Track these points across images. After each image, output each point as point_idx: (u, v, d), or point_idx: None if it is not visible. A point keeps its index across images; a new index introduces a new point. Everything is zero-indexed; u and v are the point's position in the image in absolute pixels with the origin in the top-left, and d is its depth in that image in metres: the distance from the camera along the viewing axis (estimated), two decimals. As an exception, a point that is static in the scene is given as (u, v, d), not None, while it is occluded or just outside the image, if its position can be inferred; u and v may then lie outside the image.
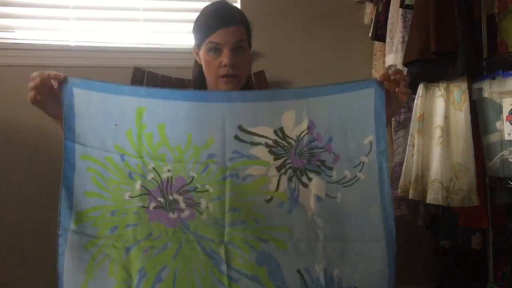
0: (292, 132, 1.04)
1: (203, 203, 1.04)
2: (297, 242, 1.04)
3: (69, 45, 2.03)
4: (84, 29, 2.07)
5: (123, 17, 2.10)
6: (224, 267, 1.03)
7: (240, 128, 1.03)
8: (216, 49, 1.19)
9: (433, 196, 1.64)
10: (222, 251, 1.03)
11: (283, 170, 1.05)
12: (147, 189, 1.04)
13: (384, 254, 1.07)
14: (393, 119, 2.01)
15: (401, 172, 1.79)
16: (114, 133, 1.03)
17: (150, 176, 1.04)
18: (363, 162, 1.05)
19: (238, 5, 2.14)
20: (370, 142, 1.04)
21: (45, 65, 1.96)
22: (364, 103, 1.04)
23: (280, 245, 1.04)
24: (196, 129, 1.03)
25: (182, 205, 1.04)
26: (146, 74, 1.97)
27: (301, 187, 1.05)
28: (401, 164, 1.83)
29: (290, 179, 1.05)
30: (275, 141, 1.04)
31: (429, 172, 1.69)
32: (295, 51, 2.18)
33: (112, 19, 2.09)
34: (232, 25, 1.19)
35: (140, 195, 1.03)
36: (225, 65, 1.18)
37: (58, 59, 1.99)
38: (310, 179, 1.05)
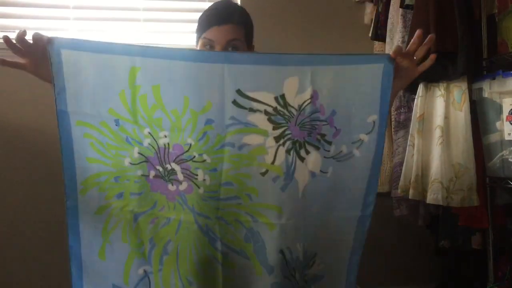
0: (294, 100, 0.99)
1: (200, 174, 1.01)
2: (284, 223, 1.04)
3: (69, 45, 2.02)
4: (84, 29, 2.06)
5: (123, 17, 2.10)
6: (218, 244, 1.05)
7: (239, 92, 0.97)
8: (209, 46, 1.19)
9: (433, 196, 1.64)
10: (217, 228, 1.04)
11: (281, 141, 1.00)
12: (145, 156, 1.01)
13: (353, 229, 1.08)
14: (393, 119, 2.01)
15: (401, 172, 1.79)
16: (107, 96, 0.98)
17: (147, 141, 1.00)
18: (362, 140, 1.03)
19: (238, 5, 2.14)
20: (373, 122, 1.02)
21: (45, 65, 1.98)
22: (371, 79, 1.00)
23: (268, 226, 1.04)
24: (193, 91, 0.97)
25: (180, 176, 1.02)
26: (146, 74, 1.96)
27: (298, 161, 1.02)
28: (401, 164, 1.83)
29: (288, 152, 1.01)
30: (275, 109, 0.99)
31: (429, 172, 1.69)
32: (295, 51, 2.17)
33: (112, 19, 2.09)
34: (228, 23, 1.18)
35: (139, 162, 1.02)
36: None
37: (58, 59, 1.99)
38: (308, 153, 1.02)
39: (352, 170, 1.05)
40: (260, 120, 0.99)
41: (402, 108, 1.91)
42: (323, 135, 1.02)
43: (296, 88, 0.99)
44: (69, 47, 0.97)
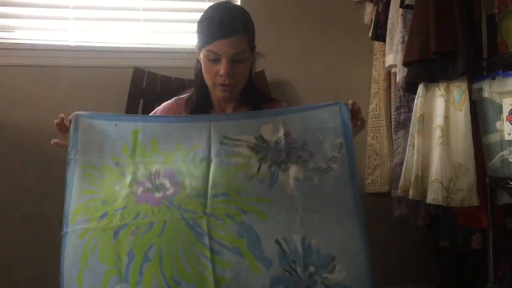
0: (271, 138, 1.17)
1: (187, 181, 1.13)
2: (276, 213, 1.11)
3: (69, 45, 2.02)
4: (84, 29, 2.06)
5: (123, 17, 2.10)
6: (206, 240, 1.07)
7: (224, 137, 1.17)
8: (214, 59, 1.20)
9: (433, 196, 1.64)
10: (204, 223, 1.08)
11: (263, 161, 1.16)
12: (136, 180, 1.14)
13: (357, 227, 1.14)
14: (393, 119, 2.01)
15: (401, 172, 1.79)
16: (111, 148, 1.16)
17: (140, 172, 1.14)
18: (336, 157, 1.17)
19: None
20: (340, 143, 1.18)
21: (45, 65, 1.98)
22: (332, 114, 1.20)
23: (260, 216, 1.10)
24: (185, 140, 1.16)
25: (168, 185, 1.13)
26: (146, 74, 1.97)
27: (280, 171, 1.15)
28: (401, 164, 1.83)
29: (270, 166, 1.15)
30: (255, 144, 1.17)
31: (429, 172, 1.69)
32: (295, 51, 2.18)
33: (112, 19, 2.09)
34: (234, 36, 1.18)
35: (129, 184, 1.13)
36: (222, 75, 1.20)
37: (58, 59, 1.99)
38: (288, 168, 1.16)
39: (335, 179, 1.17)
40: (243, 150, 1.16)
41: (402, 108, 1.91)
42: (299, 156, 1.17)
43: (271, 131, 1.18)
44: (86, 117, 1.18)
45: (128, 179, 1.12)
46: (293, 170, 1.15)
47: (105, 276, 1.05)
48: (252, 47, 1.26)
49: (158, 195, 1.11)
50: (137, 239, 1.07)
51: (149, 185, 1.12)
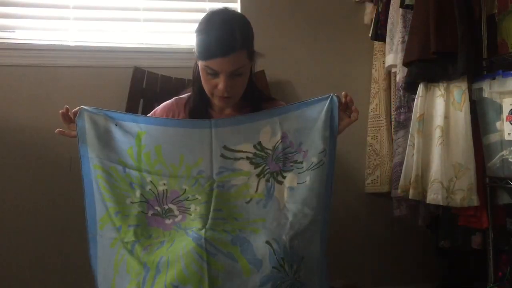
0: (269, 143, 1.22)
1: (192, 207, 1.20)
2: (268, 225, 1.18)
3: (69, 45, 2.02)
4: (84, 29, 2.06)
5: (123, 17, 2.10)
6: (202, 242, 1.12)
7: (225, 147, 1.20)
8: (213, 73, 1.20)
9: (433, 196, 1.64)
10: (202, 232, 1.15)
11: (262, 175, 1.21)
12: (146, 198, 1.19)
13: (319, 226, 1.22)
14: (393, 119, 2.01)
15: (401, 172, 1.79)
16: (117, 149, 1.21)
17: (148, 187, 1.19)
18: (326, 149, 1.22)
19: (238, 5, 2.14)
20: (327, 137, 1.22)
21: (45, 65, 1.98)
22: (323, 108, 1.23)
23: (254, 231, 1.17)
24: (187, 151, 1.20)
25: (176, 212, 1.20)
26: (146, 74, 1.97)
27: (276, 184, 1.21)
28: (401, 164, 1.83)
29: (267, 180, 1.21)
30: (254, 154, 1.21)
31: (429, 172, 1.69)
32: (295, 51, 2.18)
33: (112, 19, 2.09)
34: (233, 53, 1.17)
35: (139, 201, 1.19)
36: (220, 89, 1.21)
37: (58, 59, 2.00)
38: (284, 177, 1.22)
39: (324, 174, 1.22)
40: (243, 165, 1.21)
41: (402, 108, 1.91)
42: (295, 161, 1.22)
43: (269, 134, 1.23)
44: (91, 112, 1.22)
45: (137, 193, 1.19)
46: (288, 180, 1.21)
47: (128, 286, 1.16)
48: (251, 55, 1.25)
49: (168, 221, 1.19)
50: (151, 253, 1.15)
51: (158, 208, 1.19)
